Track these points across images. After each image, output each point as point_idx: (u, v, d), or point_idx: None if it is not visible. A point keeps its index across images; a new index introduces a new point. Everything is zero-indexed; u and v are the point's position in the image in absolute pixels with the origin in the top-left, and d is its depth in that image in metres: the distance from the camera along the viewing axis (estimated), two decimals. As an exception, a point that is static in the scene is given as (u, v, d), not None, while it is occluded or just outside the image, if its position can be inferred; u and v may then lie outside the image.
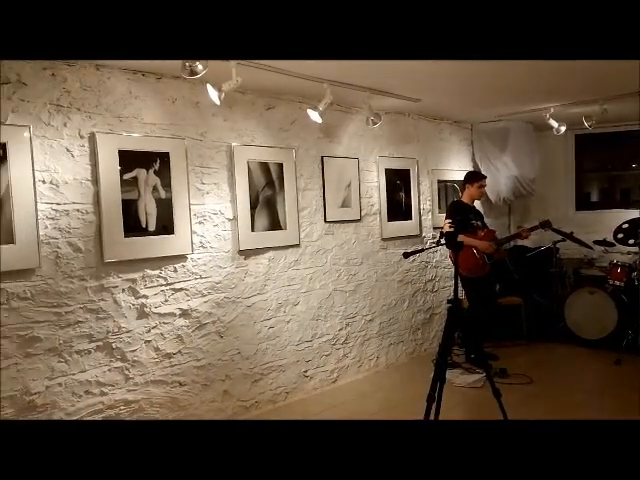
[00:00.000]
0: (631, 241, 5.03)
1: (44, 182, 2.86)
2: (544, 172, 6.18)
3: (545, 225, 4.84)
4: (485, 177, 4.99)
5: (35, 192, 2.80)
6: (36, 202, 2.81)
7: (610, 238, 5.26)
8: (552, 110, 4.82)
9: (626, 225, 5.08)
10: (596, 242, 5.38)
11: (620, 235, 5.13)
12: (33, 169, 2.79)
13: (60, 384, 2.93)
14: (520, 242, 5.93)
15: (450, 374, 4.26)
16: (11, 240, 2.73)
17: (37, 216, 2.81)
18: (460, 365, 4.70)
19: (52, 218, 2.89)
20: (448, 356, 4.14)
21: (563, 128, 4.92)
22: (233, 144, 3.68)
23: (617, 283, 5.13)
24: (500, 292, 5.64)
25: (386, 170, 4.89)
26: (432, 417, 2.96)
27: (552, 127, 4.93)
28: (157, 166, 3.26)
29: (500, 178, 5.81)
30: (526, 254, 5.77)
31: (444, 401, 3.03)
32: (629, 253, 5.33)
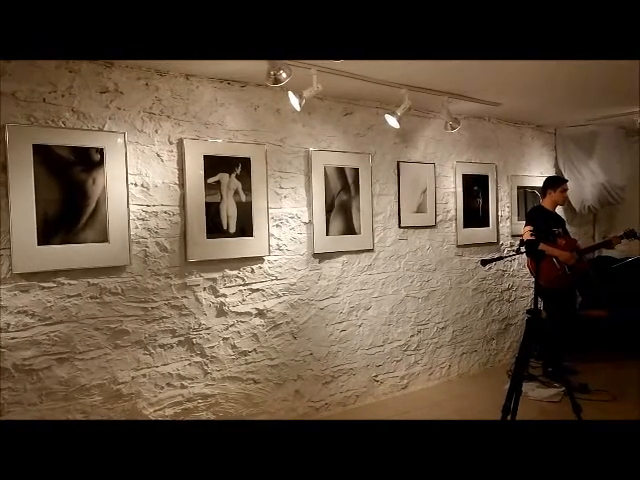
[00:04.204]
0: None
1: (136, 185, 3.05)
2: (634, 179, 5.80)
3: (630, 235, 4.54)
4: (567, 181, 4.77)
5: (128, 194, 2.99)
6: (128, 204, 3.00)
7: None
8: (645, 113, 4.54)
9: None
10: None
11: None
12: (127, 173, 2.99)
13: (144, 375, 3.10)
14: (605, 252, 5.60)
15: (526, 387, 4.10)
16: (106, 239, 2.93)
17: (129, 217, 3.00)
18: (537, 378, 4.51)
19: (142, 219, 3.07)
20: (525, 368, 4.00)
21: (657, 132, 4.61)
22: (311, 149, 3.75)
23: None
24: (583, 305, 5.36)
25: (463, 176, 4.79)
26: (508, 431, 2.87)
27: (645, 131, 4.64)
28: (239, 171, 3.39)
29: (585, 185, 5.52)
30: (612, 265, 5.45)
31: (519, 414, 2.94)
32: None
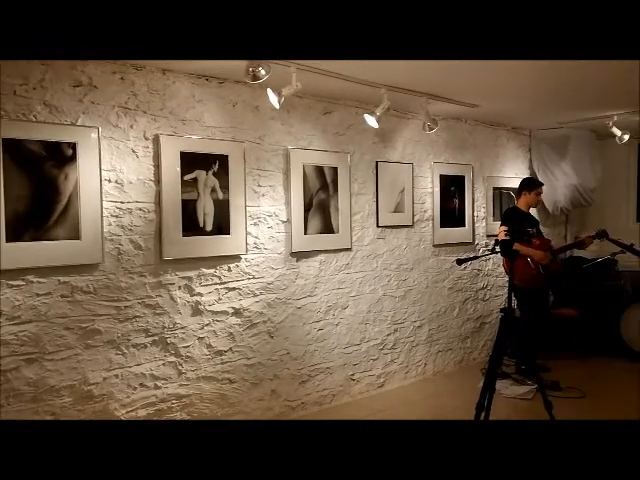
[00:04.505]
0: (695, 255, 4.78)
1: (110, 181, 2.97)
2: (605, 181, 5.95)
3: (601, 235, 4.66)
4: (542, 184, 4.86)
5: (101, 190, 2.92)
6: (102, 200, 2.93)
7: (673, 251, 5.00)
8: (615, 118, 4.64)
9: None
10: (658, 255, 5.13)
11: (683, 249, 4.88)
12: (100, 169, 2.91)
13: (117, 376, 3.04)
14: (577, 253, 5.73)
15: (500, 384, 4.17)
16: (77, 236, 2.86)
17: (102, 213, 2.93)
18: (510, 376, 4.58)
19: (116, 216, 3.00)
20: (499, 366, 4.06)
21: (627, 136, 4.73)
22: (289, 147, 3.72)
23: (678, 298, 4.89)
24: (555, 304, 5.47)
25: (440, 176, 4.82)
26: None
27: (615, 135, 4.75)
28: (216, 168, 3.34)
29: (558, 187, 5.63)
30: (582, 265, 5.57)
31: (493, 412, 2.98)
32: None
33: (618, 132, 4.70)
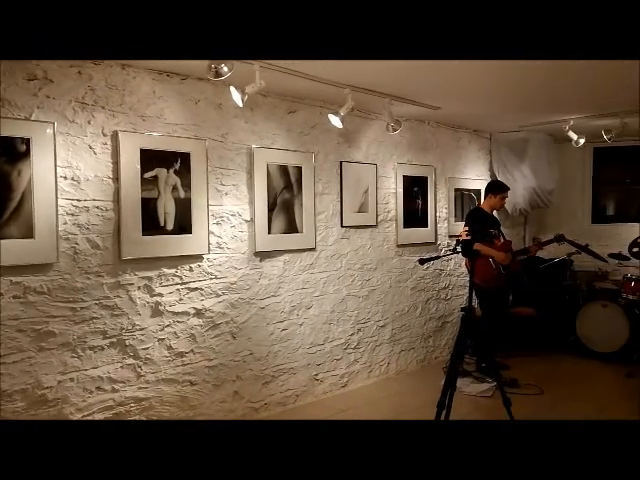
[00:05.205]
0: (646, 255, 4.98)
1: (65, 178, 2.88)
2: (561, 184, 6.14)
3: (559, 239, 4.82)
4: (509, 189, 4.96)
5: (56, 188, 2.82)
6: (57, 198, 2.82)
7: (625, 252, 5.22)
8: (572, 122, 4.80)
9: (642, 239, 5.04)
10: (611, 255, 5.34)
11: (635, 249, 5.09)
12: (55, 165, 2.81)
13: (72, 379, 2.94)
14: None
15: (461, 382, 4.24)
16: (30, 235, 2.75)
17: (57, 212, 2.83)
18: (471, 374, 4.67)
19: (72, 214, 2.91)
20: (460, 364, 4.13)
21: (582, 140, 4.88)
22: (253, 146, 3.69)
23: (630, 297, 5.10)
24: (513, 303, 5.61)
25: (404, 177, 4.88)
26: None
27: (571, 139, 4.90)
28: (177, 166, 3.28)
29: (518, 189, 5.77)
30: (540, 265, 5.73)
31: (454, 409, 3.03)
32: (644, 267, 5.28)
33: (574, 136, 4.85)
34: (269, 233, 3.80)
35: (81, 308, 2.96)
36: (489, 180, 5.58)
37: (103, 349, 3.05)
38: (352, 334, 4.47)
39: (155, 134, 3.19)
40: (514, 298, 5.70)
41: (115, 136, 3.03)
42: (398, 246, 4.86)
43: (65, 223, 2.88)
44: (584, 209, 6.57)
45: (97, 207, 2.99)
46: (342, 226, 4.35)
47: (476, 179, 5.69)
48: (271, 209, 3.80)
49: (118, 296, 3.09)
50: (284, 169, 3.89)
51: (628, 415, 3.83)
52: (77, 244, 2.93)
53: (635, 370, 4.66)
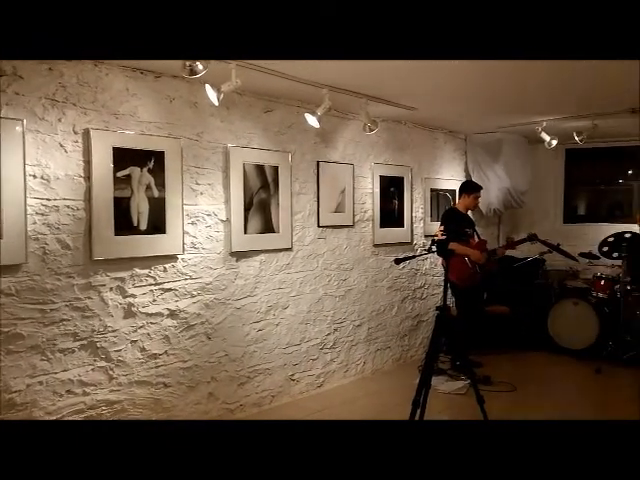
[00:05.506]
0: (615, 254, 5.11)
1: (35, 177, 2.80)
2: (534, 184, 6.24)
3: (532, 238, 4.90)
4: (481, 188, 5.02)
5: (25, 187, 2.74)
6: (25, 197, 2.75)
7: (595, 251, 5.34)
8: (544, 124, 4.87)
9: (611, 239, 5.17)
10: (582, 254, 5.45)
11: (605, 248, 5.21)
12: (24, 163, 2.73)
13: (41, 383, 2.87)
14: (508, 252, 5.96)
15: (435, 380, 4.28)
16: (-1, 234, 2.67)
17: (26, 211, 2.75)
18: (446, 372, 4.72)
19: (41, 214, 2.83)
20: (434, 363, 4.17)
21: (554, 142, 4.96)
22: (229, 145, 3.65)
23: (600, 295, 5.23)
24: (487, 301, 5.69)
25: (380, 177, 4.89)
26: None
27: (544, 140, 4.98)
28: (151, 165, 3.22)
29: (492, 189, 5.85)
30: (514, 264, 5.82)
31: (429, 407, 3.06)
32: (613, 266, 5.40)
33: (547, 137, 4.93)
34: (245, 233, 3.77)
35: (51, 310, 2.89)
36: (464, 180, 5.64)
37: (74, 351, 2.99)
38: (328, 334, 4.47)
39: (128, 132, 3.13)
40: (488, 296, 5.78)
41: (87, 134, 2.96)
42: (374, 246, 4.88)
43: (34, 223, 2.80)
44: (556, 209, 6.69)
45: (68, 206, 2.92)
46: (319, 226, 4.34)
47: (451, 179, 5.74)
48: (247, 209, 3.77)
49: (89, 297, 3.03)
50: (260, 169, 3.86)
51: (597, 409, 3.93)
52: (47, 244, 2.86)
53: (604, 366, 4.77)
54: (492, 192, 5.85)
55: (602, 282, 5.24)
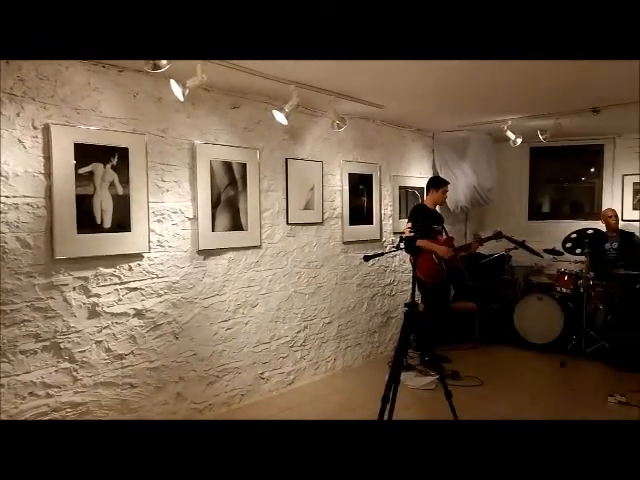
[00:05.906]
0: (578, 250, 5.24)
1: (-8, 173, 2.71)
2: (500, 182, 6.36)
3: (498, 236, 4.99)
4: (449, 183, 5.08)
5: (-18, 183, 2.65)
6: (-17, 194, 2.66)
7: (559, 247, 5.46)
8: (509, 122, 4.97)
9: (574, 235, 5.29)
10: (546, 251, 5.58)
11: (569, 244, 5.34)
12: (-19, 159, 2.64)
13: (2, 385, 2.78)
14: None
15: (405, 376, 4.32)
16: (-46, 233, 2.58)
17: (-17, 209, 2.67)
18: (415, 368, 4.77)
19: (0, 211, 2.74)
20: (403, 359, 4.20)
21: (519, 140, 5.06)
22: (196, 142, 3.60)
23: (564, 290, 5.35)
24: (454, 297, 5.78)
25: (349, 174, 4.90)
26: (386, 418, 3.01)
27: (509, 139, 5.08)
28: (115, 161, 3.15)
29: (459, 186, 5.93)
30: (480, 261, 5.92)
31: (398, 402, 3.09)
32: (576, 262, 5.55)
33: (512, 136, 5.03)
34: (213, 231, 3.73)
35: (11, 310, 2.80)
36: (431, 176, 5.70)
37: (36, 353, 2.90)
38: (298, 331, 4.47)
39: (91, 128, 3.05)
40: (456, 293, 5.87)
41: (47, 129, 2.88)
42: (344, 243, 4.89)
43: (-8, 221, 2.71)
44: (521, 206, 6.84)
45: (27, 204, 2.84)
46: (288, 223, 4.33)
47: (419, 177, 5.80)
48: (215, 206, 3.73)
49: (51, 297, 2.95)
50: (228, 165, 3.82)
51: (562, 402, 4.04)
52: (6, 243, 2.77)
53: (568, 360, 4.90)
54: (459, 189, 5.94)
55: (566, 277, 5.38)
